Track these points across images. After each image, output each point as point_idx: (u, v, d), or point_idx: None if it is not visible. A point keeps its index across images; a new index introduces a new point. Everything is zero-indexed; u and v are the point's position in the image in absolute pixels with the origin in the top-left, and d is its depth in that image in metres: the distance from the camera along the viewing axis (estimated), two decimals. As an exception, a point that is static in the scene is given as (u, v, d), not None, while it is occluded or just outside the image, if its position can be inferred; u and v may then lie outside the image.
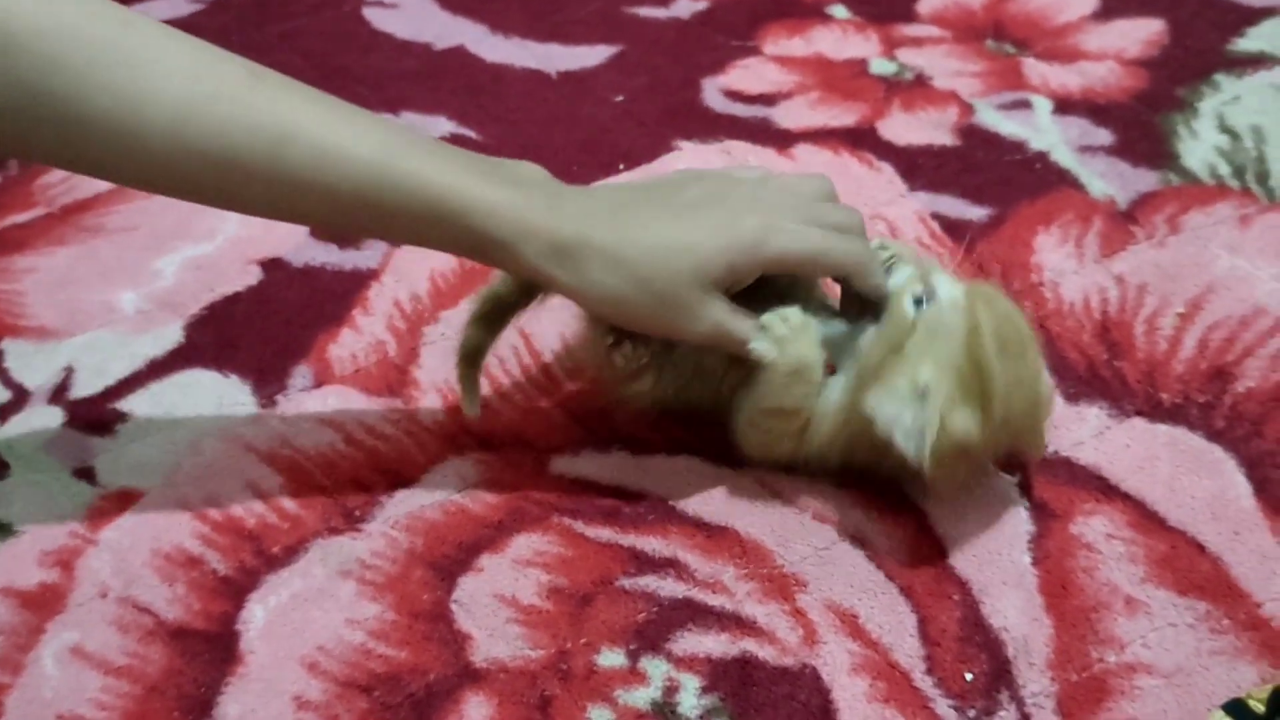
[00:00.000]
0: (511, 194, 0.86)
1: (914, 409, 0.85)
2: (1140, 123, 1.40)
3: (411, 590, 0.94)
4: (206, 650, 0.90)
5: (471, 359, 1.02)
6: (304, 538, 0.98)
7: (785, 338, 0.88)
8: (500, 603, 0.93)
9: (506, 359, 1.13)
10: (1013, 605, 0.90)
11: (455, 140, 1.42)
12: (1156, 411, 1.04)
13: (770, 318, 0.88)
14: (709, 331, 0.88)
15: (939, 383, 0.83)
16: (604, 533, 0.97)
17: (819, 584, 0.93)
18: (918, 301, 0.89)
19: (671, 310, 0.86)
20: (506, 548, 0.97)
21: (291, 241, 1.28)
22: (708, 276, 0.85)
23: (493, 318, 1.01)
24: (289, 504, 1.01)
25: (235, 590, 0.95)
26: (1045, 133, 1.39)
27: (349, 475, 1.03)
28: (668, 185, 0.92)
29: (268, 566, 0.96)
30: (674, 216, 0.87)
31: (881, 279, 0.90)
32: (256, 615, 0.93)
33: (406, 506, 1.00)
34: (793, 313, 0.89)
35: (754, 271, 0.88)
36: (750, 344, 0.88)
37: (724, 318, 0.88)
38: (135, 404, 1.11)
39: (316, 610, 0.93)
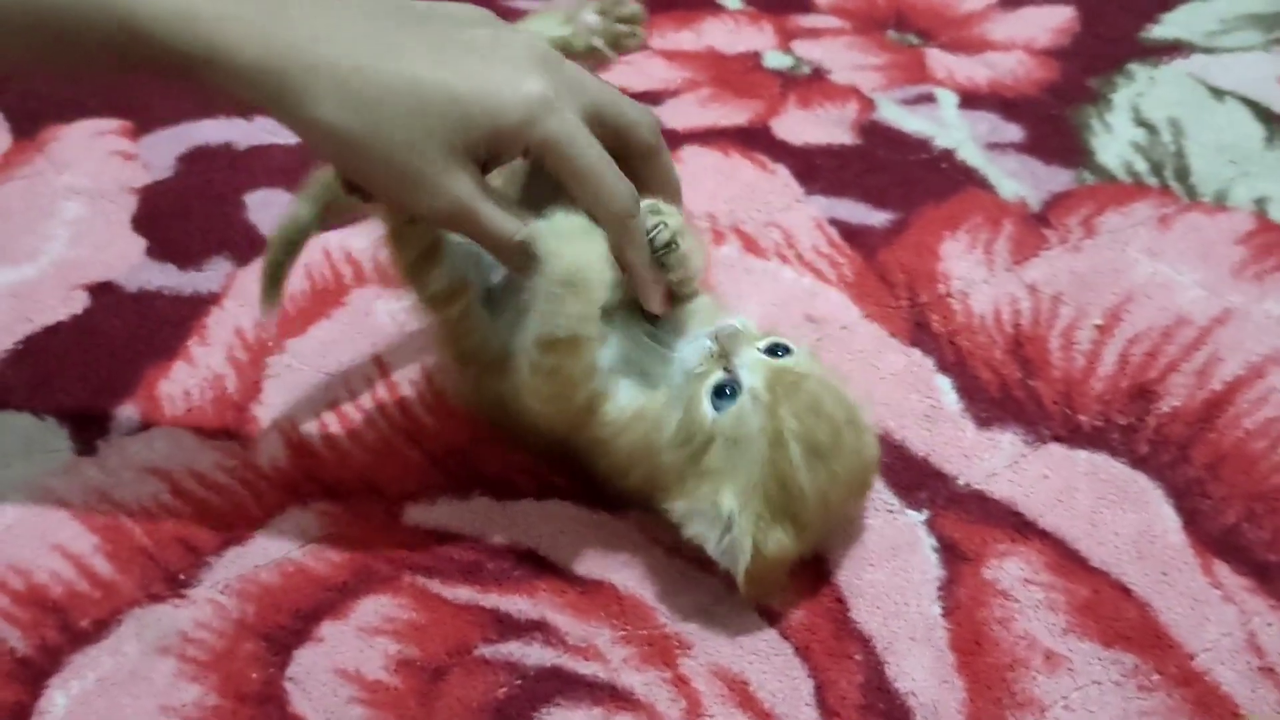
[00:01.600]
0: None
1: (721, 533, 0.77)
2: (1052, 117, 1.32)
3: (239, 668, 0.82)
4: (-5, 749, 0.78)
5: (289, 244, 0.88)
6: (118, 608, 0.86)
7: (559, 234, 0.73)
8: (341, 679, 0.81)
9: (358, 389, 1.01)
10: (920, 665, 0.80)
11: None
12: (1075, 436, 0.94)
13: (549, 216, 0.74)
14: (448, 208, 0.71)
15: (745, 507, 0.76)
16: (462, 592, 0.86)
17: (705, 645, 0.82)
18: (720, 391, 0.78)
19: (406, 171, 0.69)
20: (351, 613, 0.86)
21: (125, 263, 1.15)
22: (461, 139, 0.69)
23: (330, 196, 0.86)
24: (103, 568, 0.89)
25: (33, 674, 0.82)
26: (952, 129, 1.30)
27: (174, 533, 0.91)
28: (452, 16, 0.75)
29: (74, 644, 0.84)
30: (439, 54, 0.70)
31: (634, 242, 0.76)
32: (57, 704, 0.81)
33: (238, 568, 0.88)
34: (576, 217, 0.74)
35: (515, 151, 0.72)
36: (506, 231, 0.72)
37: (472, 194, 0.71)
38: (-72, 456, 0.97)
39: (126, 696, 0.81)
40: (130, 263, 1.16)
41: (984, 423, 0.96)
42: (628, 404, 0.81)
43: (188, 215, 1.20)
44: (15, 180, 1.25)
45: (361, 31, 0.70)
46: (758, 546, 0.75)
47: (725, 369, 0.79)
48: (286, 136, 1.31)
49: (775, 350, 0.81)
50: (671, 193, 0.83)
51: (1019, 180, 1.22)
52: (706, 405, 0.78)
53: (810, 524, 0.78)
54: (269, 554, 0.89)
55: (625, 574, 0.87)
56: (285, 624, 0.85)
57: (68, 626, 0.85)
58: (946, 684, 0.79)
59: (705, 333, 0.79)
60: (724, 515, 0.76)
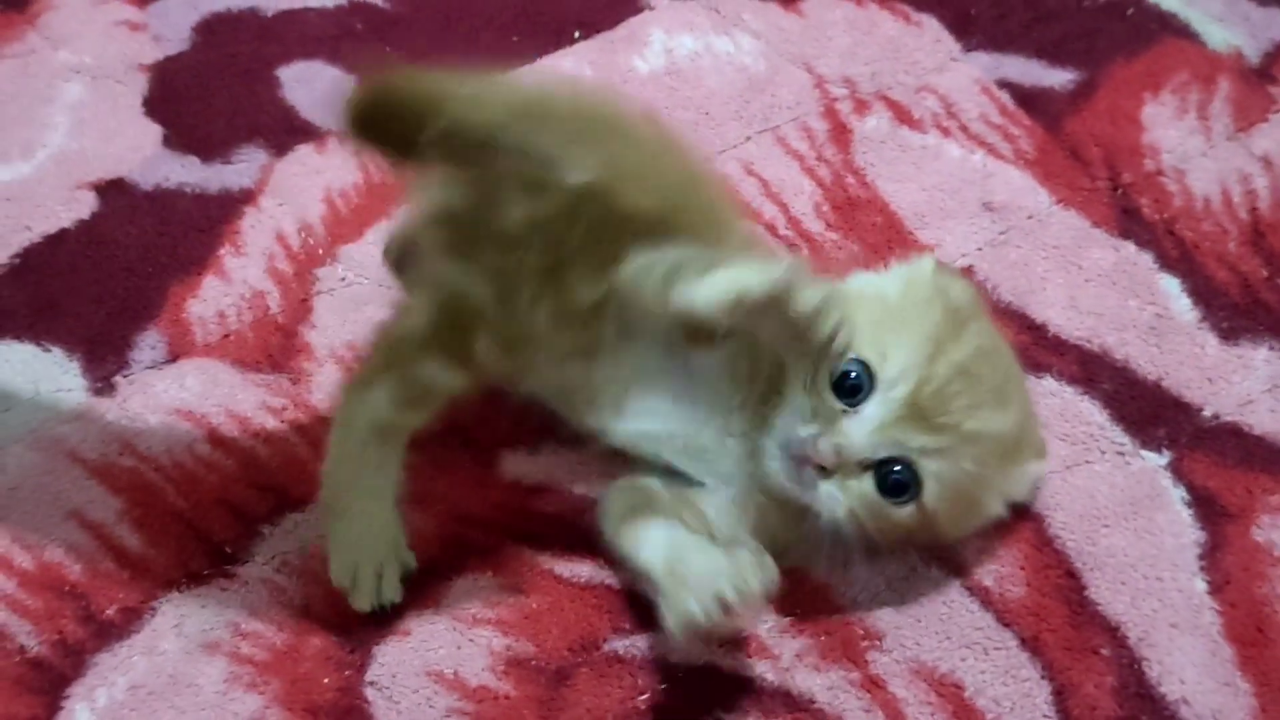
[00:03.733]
0: None
1: None
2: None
3: (306, 670, 0.69)
4: (6, 780, 0.67)
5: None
6: (151, 592, 0.73)
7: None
8: (437, 684, 0.68)
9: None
10: (1190, 661, 0.67)
11: (355, 9, 1.10)
12: (1350, 347, 0.78)
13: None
14: None
15: None
16: (582, 569, 0.75)
17: (900, 635, 0.68)
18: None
19: None
20: (443, 597, 0.71)
21: (138, 155, 0.99)
22: None
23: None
24: (131, 541, 0.75)
25: (50, 681, 0.70)
26: (1135, -34, 1.09)
27: (215, 494, 0.77)
28: None
29: (98, 640, 0.71)
30: None
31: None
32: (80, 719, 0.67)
33: (297, 539, 0.75)
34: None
35: None
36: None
37: None
38: (-84, 397, 0.84)
39: (167, 709, 0.68)
40: (144, 155, 0.99)
41: (1228, 335, 0.81)
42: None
43: (210, 96, 1.03)
44: (4, 60, 1.08)
45: None
46: None
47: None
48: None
49: (885, 475, 0.65)
50: None
51: (1229, 26, 1.04)
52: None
53: None
54: (334, 520, 0.75)
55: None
56: (361, 612, 0.70)
57: (90, 617, 0.72)
58: (1228, 687, 0.65)
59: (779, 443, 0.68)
60: None
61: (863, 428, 0.64)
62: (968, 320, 0.66)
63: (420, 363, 0.69)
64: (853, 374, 0.64)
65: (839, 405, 0.64)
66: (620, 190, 0.66)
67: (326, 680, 0.67)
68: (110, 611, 0.71)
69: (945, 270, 0.67)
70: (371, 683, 0.67)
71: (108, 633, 0.70)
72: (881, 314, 0.67)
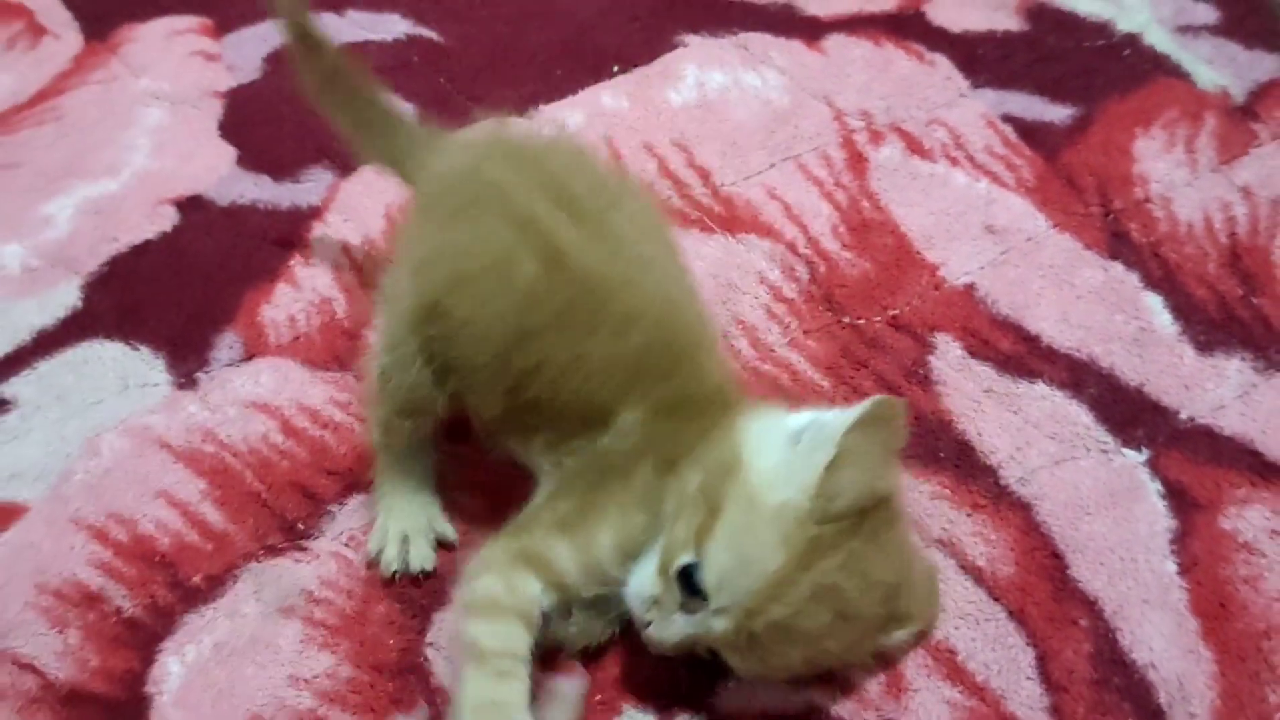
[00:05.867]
0: None
1: None
2: (1241, -5, 1.17)
3: (373, 633, 0.74)
4: (106, 723, 0.70)
5: None
6: (232, 562, 0.78)
7: None
8: None
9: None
10: (1159, 632, 0.70)
11: (413, 43, 1.17)
12: (1315, 362, 0.82)
13: None
14: None
15: None
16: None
17: None
18: None
19: None
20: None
21: (214, 174, 1.05)
22: None
23: None
24: (213, 517, 0.80)
25: (144, 637, 0.75)
26: (1132, 11, 1.16)
27: (289, 477, 0.82)
28: None
29: (186, 603, 0.76)
30: None
31: None
32: (171, 672, 0.73)
33: (363, 517, 0.80)
34: None
35: None
36: None
37: None
38: (18, 389, 0.90)
39: (250, 664, 0.73)
40: (220, 174, 1.05)
41: (1205, 347, 0.85)
42: None
43: (279, 121, 1.09)
44: (90, 85, 1.15)
45: None
46: None
47: None
48: (383, 32, 1.20)
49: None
50: None
51: (1217, 68, 1.08)
52: None
53: None
54: (397, 502, 0.80)
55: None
56: (421, 581, 0.76)
57: (178, 583, 0.77)
58: (1191, 654, 0.69)
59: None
60: None
61: (675, 632, 0.63)
62: (841, 539, 0.60)
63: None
64: (693, 577, 0.62)
65: (676, 594, 0.63)
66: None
67: (391, 641, 0.73)
68: (196, 579, 0.77)
69: (863, 435, 0.60)
70: (430, 644, 0.73)
71: (194, 597, 0.76)
72: (746, 522, 0.62)
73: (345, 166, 1.04)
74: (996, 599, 0.72)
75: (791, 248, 0.93)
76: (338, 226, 0.99)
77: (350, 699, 0.71)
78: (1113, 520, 0.75)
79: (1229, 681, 0.67)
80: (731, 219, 0.95)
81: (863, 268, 0.91)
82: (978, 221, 0.94)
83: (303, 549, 0.78)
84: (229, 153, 1.07)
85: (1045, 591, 0.72)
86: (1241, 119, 1.03)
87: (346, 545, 0.78)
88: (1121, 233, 0.93)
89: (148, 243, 1.00)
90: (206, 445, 0.84)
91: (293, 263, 0.96)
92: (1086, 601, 0.71)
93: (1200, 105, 1.04)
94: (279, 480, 0.82)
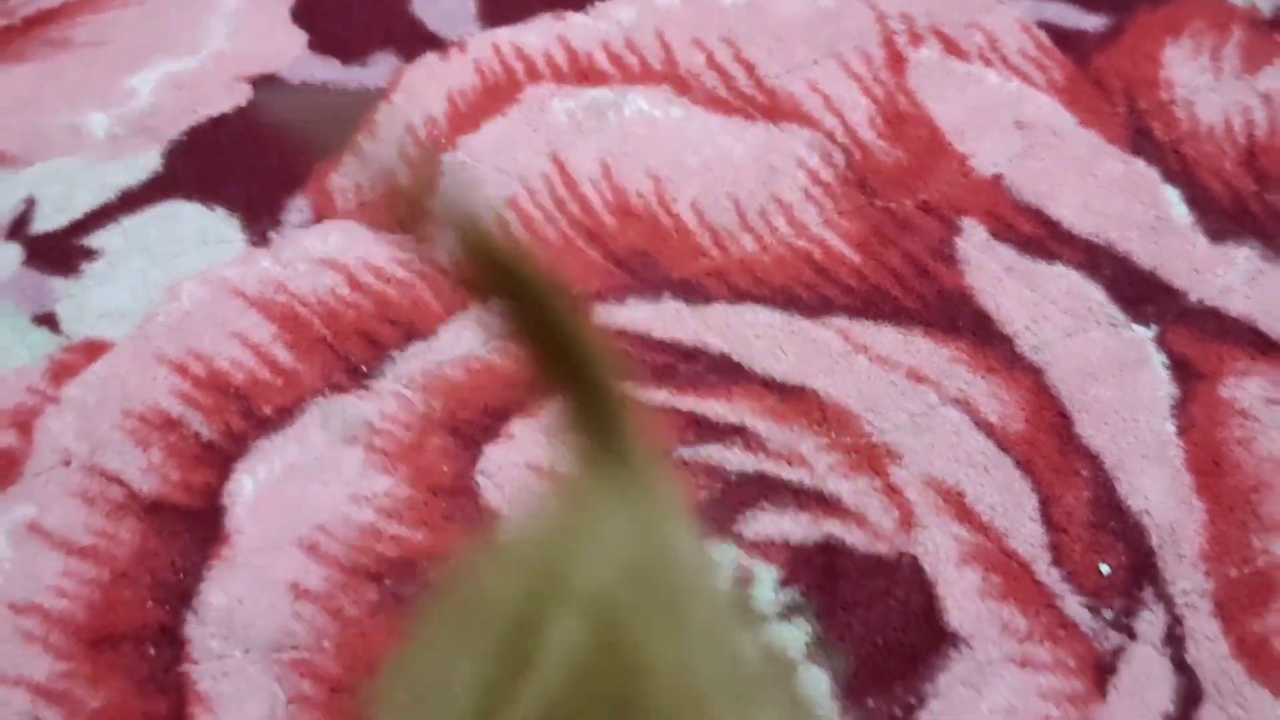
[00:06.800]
0: None
1: None
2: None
3: (429, 461, 0.81)
4: (186, 528, 0.78)
5: None
6: (301, 397, 0.85)
7: None
8: (535, 475, 0.80)
9: (535, 187, 0.96)
10: (1155, 484, 0.75)
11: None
12: (1319, 252, 0.87)
13: None
14: None
15: None
16: (657, 395, 0.83)
17: (916, 456, 0.79)
18: None
19: None
20: (542, 411, 0.81)
21: (286, 56, 1.11)
22: None
23: None
24: (284, 357, 0.87)
25: (221, 457, 0.82)
26: (1168, -72, 1.18)
27: (354, 325, 0.88)
28: None
29: (258, 430, 0.83)
30: None
31: None
32: (245, 487, 0.80)
33: (422, 362, 0.86)
34: None
35: None
36: None
37: None
38: (105, 240, 0.96)
39: (316, 483, 0.80)
40: (292, 56, 1.11)
41: (1216, 236, 0.89)
42: None
43: (348, 9, 1.15)
44: None
45: None
46: None
47: None
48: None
49: None
50: None
51: None
52: None
53: None
54: (453, 350, 0.87)
55: (828, 381, 0.83)
56: (473, 419, 0.82)
57: (251, 413, 0.84)
58: (1184, 505, 0.74)
59: None
60: None
61: None
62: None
63: None
64: None
65: None
66: None
67: (445, 468, 0.79)
68: (267, 410, 0.83)
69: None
70: (481, 471, 0.79)
71: (265, 425, 0.82)
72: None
73: (409, 53, 1.09)
74: (1005, 451, 0.78)
75: (830, 136, 0.98)
76: (402, 106, 1.05)
77: (407, 515, 0.78)
78: (1118, 386, 0.80)
79: (1217, 529, 0.73)
80: (774, 108, 1.00)
81: (896, 156, 0.96)
82: (1008, 117, 0.98)
83: (365, 388, 0.84)
84: (300, 37, 1.12)
85: (1052, 446, 0.78)
86: (1267, 32, 1.06)
87: (406, 387, 0.84)
88: (1144, 130, 0.97)
89: (224, 116, 1.05)
90: (278, 295, 0.90)
91: (360, 137, 1.03)
92: (1089, 455, 0.77)
93: (1228, 18, 1.07)
94: (344, 327, 0.88)
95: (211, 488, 0.80)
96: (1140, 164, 0.94)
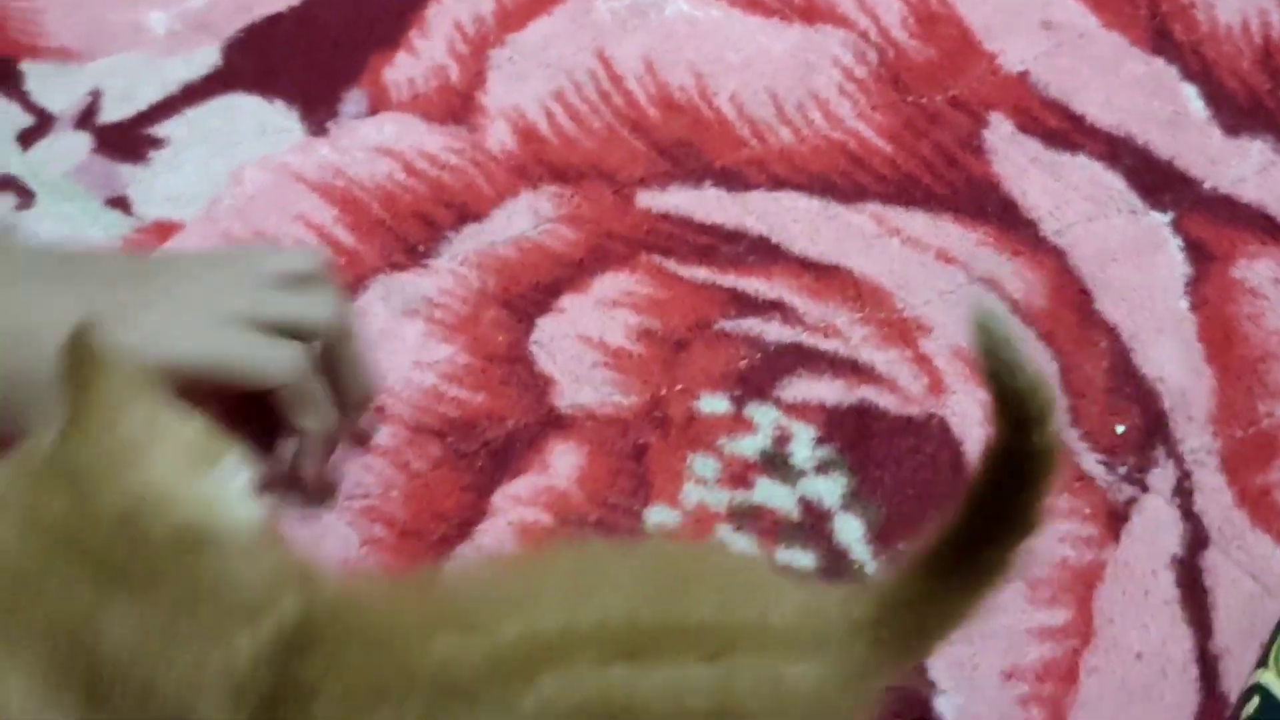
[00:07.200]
0: None
1: None
2: None
3: (485, 331, 0.86)
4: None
5: None
6: (363, 274, 0.89)
7: None
8: (585, 345, 0.85)
9: (581, 82, 1.00)
10: (1168, 354, 0.81)
11: None
12: (1329, 143, 0.92)
13: None
14: None
15: None
16: (699, 272, 0.88)
17: (945, 330, 0.84)
18: None
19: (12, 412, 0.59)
20: (589, 288, 0.88)
21: (337, -42, 1.14)
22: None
23: None
24: (345, 237, 0.92)
25: None
26: None
27: (410, 208, 0.93)
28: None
29: None
30: (46, 286, 0.64)
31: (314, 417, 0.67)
32: None
33: (476, 243, 0.90)
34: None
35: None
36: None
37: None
38: (170, 130, 1.01)
39: (381, 351, 0.84)
40: None
41: (1232, 130, 0.94)
42: None
43: None
44: None
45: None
46: None
47: None
48: None
49: None
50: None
51: None
52: None
53: None
54: (505, 231, 0.91)
55: (861, 261, 0.87)
56: (526, 294, 0.87)
57: None
58: (1195, 372, 0.79)
59: None
60: None
61: None
62: None
63: None
64: None
65: None
66: None
67: (500, 338, 0.84)
68: None
69: None
70: (535, 341, 0.84)
71: None
72: None
73: (457, -45, 1.14)
74: (1029, 324, 0.83)
75: (864, 36, 1.01)
76: (450, 4, 1.09)
77: (466, 380, 0.83)
78: (1136, 266, 0.85)
79: (1225, 394, 0.78)
80: (810, 9, 1.04)
81: (927, 55, 1.00)
82: (1035, 18, 1.02)
83: (423, 266, 0.89)
84: (349, -61, 1.17)
85: (1072, 320, 0.83)
86: (1287, -63, 1.10)
87: (462, 265, 0.89)
88: (1165, 32, 1.01)
89: (279, 14, 1.09)
90: (337, 180, 0.95)
91: (411, 34, 1.06)
92: (1107, 328, 0.82)
93: (1250, -77, 1.11)
94: (402, 210, 0.93)
95: (283, 354, 0.85)
96: (1160, 63, 0.98)
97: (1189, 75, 0.98)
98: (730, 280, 0.87)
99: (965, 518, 0.49)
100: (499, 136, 0.98)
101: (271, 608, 0.46)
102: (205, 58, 1.06)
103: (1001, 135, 0.94)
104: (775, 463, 0.77)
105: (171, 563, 0.44)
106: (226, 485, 0.46)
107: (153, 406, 0.47)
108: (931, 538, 0.50)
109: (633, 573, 0.53)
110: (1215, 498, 0.75)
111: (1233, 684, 0.70)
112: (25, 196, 0.97)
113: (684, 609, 0.50)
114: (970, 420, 0.78)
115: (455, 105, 1.01)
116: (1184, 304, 0.83)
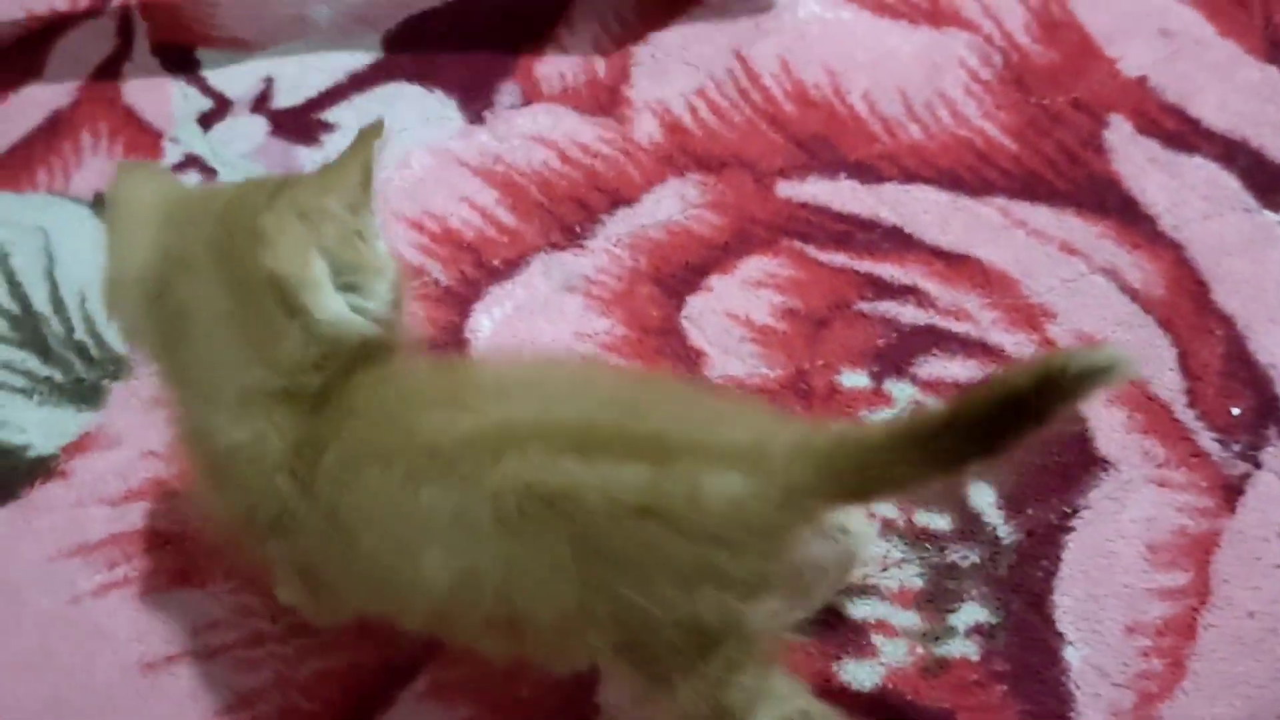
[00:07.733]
0: None
1: None
2: None
3: (639, 306, 0.93)
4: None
5: None
6: (524, 252, 0.97)
7: None
8: (733, 321, 0.91)
9: (721, 79, 1.07)
10: (1278, 343, 0.85)
11: None
12: None
13: None
14: None
15: None
16: (837, 257, 0.94)
17: (1069, 315, 0.90)
18: None
19: None
20: (735, 269, 0.95)
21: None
22: None
23: None
24: (506, 218, 0.99)
25: (459, 300, 0.95)
26: None
27: (566, 192, 1.01)
28: None
29: (490, 278, 0.96)
30: None
31: None
32: (483, 325, 0.93)
33: (628, 225, 0.98)
34: None
35: None
36: None
37: None
38: (339, 115, 1.09)
39: (543, 321, 0.93)
40: None
41: None
42: None
43: None
44: None
45: None
46: None
47: None
48: None
49: None
50: None
51: None
52: None
53: None
54: (655, 216, 0.98)
55: (989, 250, 0.94)
56: (676, 274, 0.95)
57: (482, 264, 0.97)
58: None
59: None
60: None
61: None
62: None
63: None
64: None
65: None
66: None
67: (654, 313, 0.91)
68: (496, 262, 0.95)
69: None
70: (685, 317, 0.91)
71: (496, 274, 0.94)
72: None
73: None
74: (1149, 313, 0.88)
75: (989, 40, 1.07)
76: (597, 4, 1.17)
77: (624, 349, 0.90)
78: (1250, 261, 0.90)
79: (1324, 379, 0.84)
80: (935, 13, 1.10)
81: (1050, 58, 1.05)
82: (1154, 25, 1.07)
83: (580, 246, 0.97)
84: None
85: (1189, 309, 0.88)
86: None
87: (615, 245, 0.96)
88: (1278, 41, 1.06)
89: (435, 9, 1.17)
90: (497, 166, 1.03)
91: (559, 30, 1.14)
92: (1223, 318, 0.88)
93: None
94: (559, 194, 1.00)
95: (455, 325, 0.92)
96: (1274, 70, 1.03)
97: (1301, 83, 1.03)
98: (866, 266, 0.93)
99: (991, 398, 0.53)
100: (646, 128, 1.05)
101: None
102: (368, 49, 1.15)
103: (1122, 136, 0.99)
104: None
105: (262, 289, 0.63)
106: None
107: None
108: (947, 406, 0.55)
109: (617, 388, 0.65)
110: (1326, 476, 0.80)
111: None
112: (208, 174, 1.06)
113: (641, 419, 0.60)
114: (1094, 399, 0.83)
115: (603, 98, 1.08)
116: (1296, 297, 0.88)
